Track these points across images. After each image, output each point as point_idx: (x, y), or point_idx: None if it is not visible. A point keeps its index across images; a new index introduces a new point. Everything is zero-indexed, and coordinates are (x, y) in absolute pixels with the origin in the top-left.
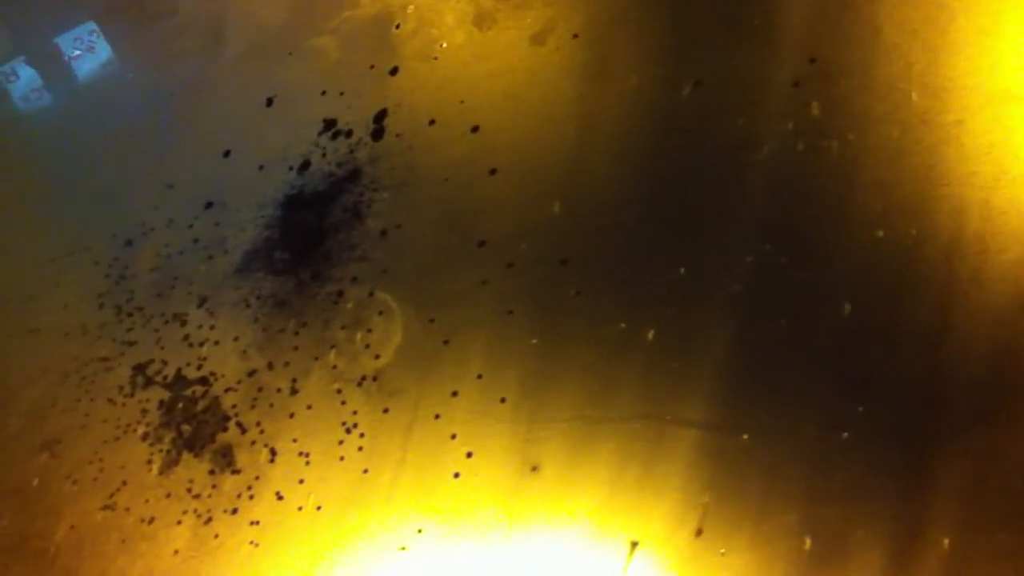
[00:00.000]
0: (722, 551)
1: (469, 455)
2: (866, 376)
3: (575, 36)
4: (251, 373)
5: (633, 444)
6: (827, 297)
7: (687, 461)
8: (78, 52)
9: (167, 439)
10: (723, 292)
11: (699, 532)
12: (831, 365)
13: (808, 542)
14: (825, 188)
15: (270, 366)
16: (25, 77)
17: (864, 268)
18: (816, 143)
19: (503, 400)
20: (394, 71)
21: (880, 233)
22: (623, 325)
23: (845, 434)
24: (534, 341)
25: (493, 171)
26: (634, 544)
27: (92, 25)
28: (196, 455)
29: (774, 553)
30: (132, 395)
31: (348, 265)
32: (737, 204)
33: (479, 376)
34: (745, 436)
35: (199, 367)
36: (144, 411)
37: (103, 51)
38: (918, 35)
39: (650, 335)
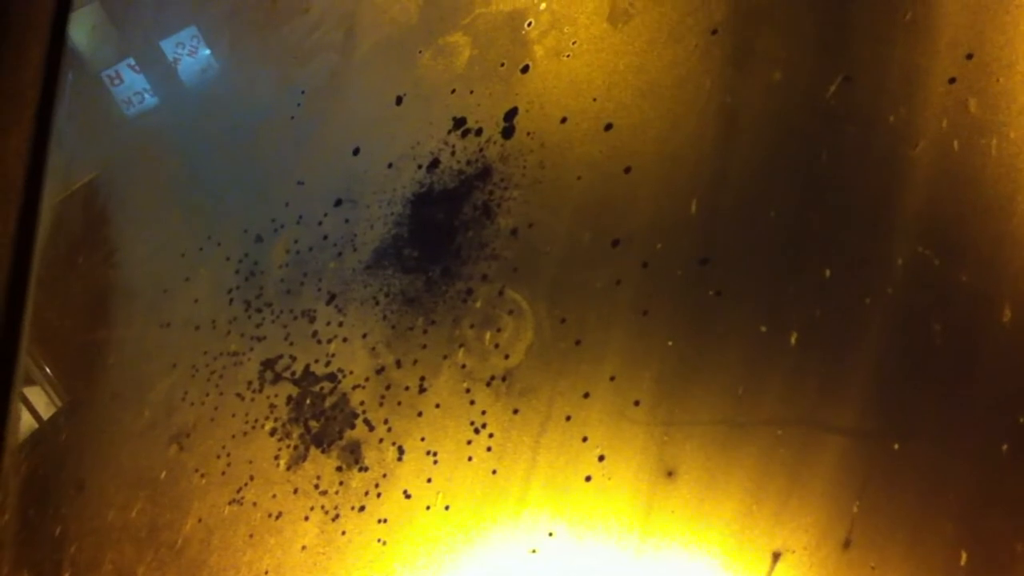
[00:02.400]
0: (872, 565)
1: (601, 458)
2: None
3: (714, 32)
4: (379, 370)
5: (776, 450)
6: (984, 301)
7: (834, 469)
8: (179, 56)
9: (295, 435)
10: (872, 295)
11: (847, 544)
12: (988, 372)
13: (964, 556)
14: (983, 188)
15: (398, 364)
16: (130, 80)
17: None
18: (973, 141)
19: (637, 403)
20: (525, 69)
21: None
22: (764, 328)
23: (1005, 446)
24: (670, 343)
25: (627, 169)
26: (776, 556)
27: (194, 30)
28: (324, 451)
29: (928, 568)
30: (260, 390)
31: (478, 263)
32: (888, 204)
33: (612, 378)
34: (896, 445)
35: (327, 363)
36: (272, 406)
37: (205, 54)
38: None
39: (793, 338)
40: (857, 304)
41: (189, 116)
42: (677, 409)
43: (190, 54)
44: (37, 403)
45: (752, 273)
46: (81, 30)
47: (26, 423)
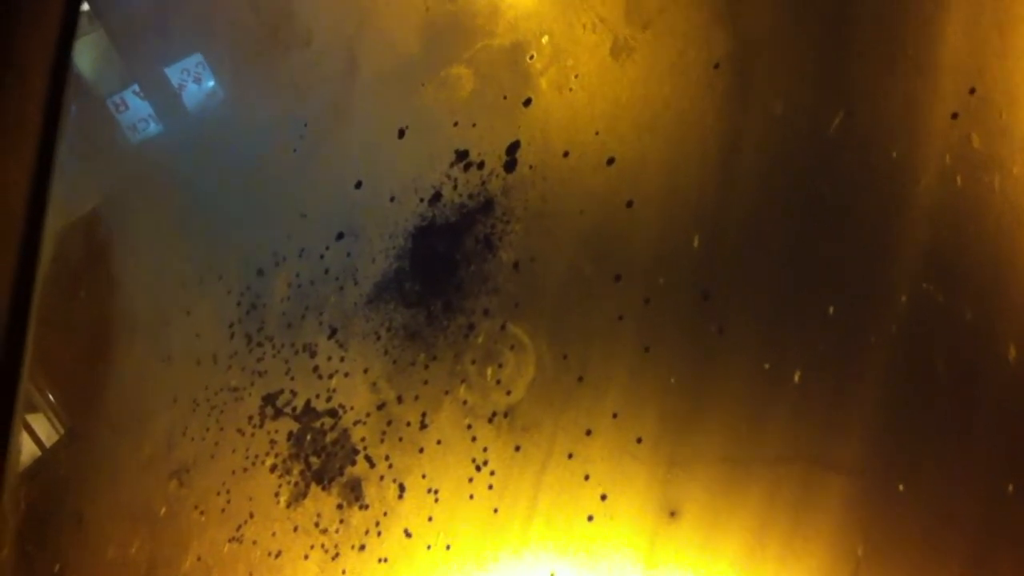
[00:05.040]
0: None
1: (604, 497)
2: None
3: (716, 66)
4: (381, 406)
5: (780, 490)
6: (989, 339)
7: (839, 509)
8: (184, 83)
9: (296, 471)
10: (876, 332)
11: None
12: (994, 411)
13: None
14: (986, 224)
15: (400, 399)
16: (135, 106)
17: None
18: (976, 177)
19: (640, 440)
20: (528, 102)
21: None
22: (767, 365)
23: (1010, 486)
24: (673, 379)
25: (630, 203)
26: None
27: (199, 57)
28: (324, 488)
29: None
30: (261, 425)
31: (480, 297)
32: (891, 240)
33: (615, 415)
34: (901, 486)
35: (328, 399)
36: (273, 442)
37: (211, 81)
38: None
39: (797, 376)
40: (861, 341)
41: (192, 145)
42: (680, 447)
43: (195, 81)
44: (40, 430)
45: (755, 309)
46: (86, 57)
47: (29, 450)
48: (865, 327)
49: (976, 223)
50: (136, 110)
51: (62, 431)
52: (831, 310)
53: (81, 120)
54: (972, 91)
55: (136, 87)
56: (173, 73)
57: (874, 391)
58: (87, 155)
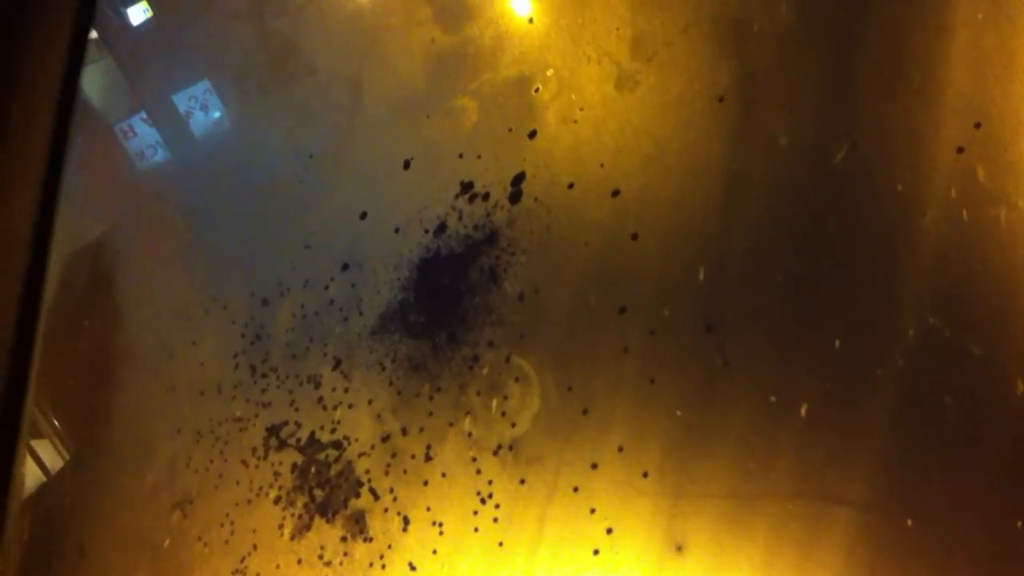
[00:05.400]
0: None
1: (609, 531)
2: None
3: (720, 99)
4: (385, 438)
5: (787, 524)
6: (997, 374)
7: (846, 544)
8: (192, 110)
9: (299, 503)
10: (883, 366)
11: None
12: (1001, 447)
13: None
14: (992, 258)
15: (404, 431)
16: (143, 133)
17: None
18: (982, 211)
19: (646, 474)
20: (533, 134)
21: None
22: (774, 398)
23: (1019, 522)
24: (678, 412)
25: (635, 236)
26: None
27: (207, 83)
28: (328, 521)
29: None
30: (265, 457)
31: (484, 329)
32: (897, 273)
33: (620, 448)
34: (909, 521)
35: (333, 430)
36: (277, 474)
37: (217, 112)
38: None
39: (803, 409)
40: (868, 375)
41: (199, 174)
42: (686, 481)
43: (202, 108)
44: (44, 456)
45: (760, 342)
46: (94, 84)
47: (34, 475)
48: (872, 361)
49: (982, 257)
50: (144, 137)
51: (67, 457)
52: (837, 343)
53: (88, 147)
54: (978, 125)
55: (143, 114)
56: (180, 100)
57: (881, 425)
58: (93, 183)
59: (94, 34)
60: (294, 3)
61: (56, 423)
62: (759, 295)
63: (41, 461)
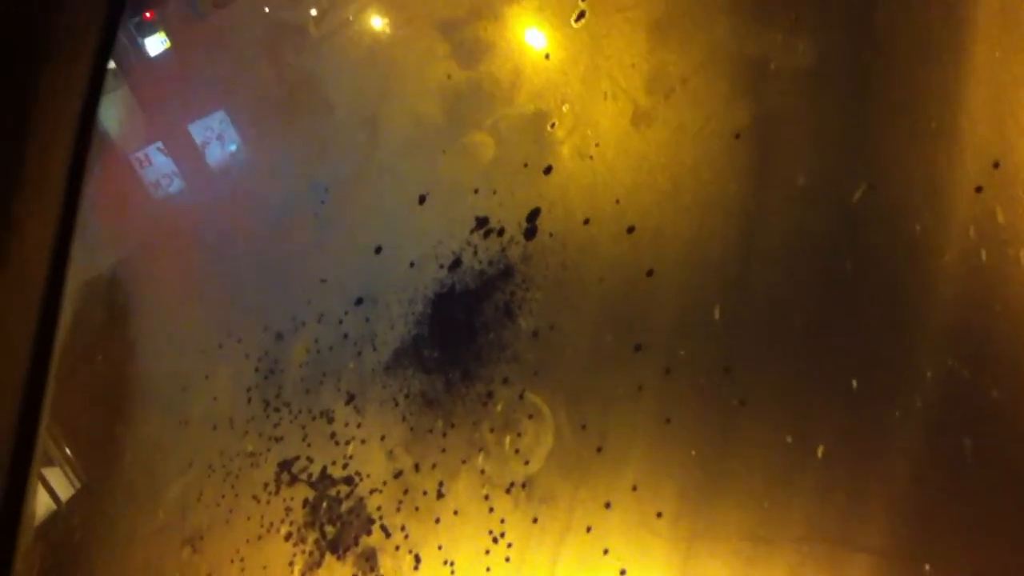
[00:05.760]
0: None
1: (623, 572)
2: None
3: (737, 136)
4: (397, 474)
5: (803, 569)
6: (1017, 417)
7: None
8: (208, 140)
9: (311, 540)
10: (901, 408)
11: None
12: (1021, 490)
13: None
14: (1012, 299)
15: (417, 468)
16: (159, 163)
17: None
18: (1001, 251)
19: (660, 514)
20: (548, 170)
21: None
22: (790, 439)
23: None
24: (694, 452)
25: (650, 272)
26: None
27: (223, 114)
28: (339, 558)
29: None
30: (277, 492)
31: (499, 365)
32: (916, 314)
33: (634, 487)
34: (927, 566)
35: (345, 466)
36: (288, 509)
37: (233, 145)
38: None
39: (820, 451)
40: (885, 417)
41: (214, 207)
42: (701, 522)
43: (218, 138)
44: (56, 484)
45: (777, 382)
46: (111, 114)
47: (44, 503)
48: (889, 402)
49: (1002, 298)
50: (159, 166)
51: (78, 485)
52: (855, 384)
53: (104, 177)
54: (996, 165)
55: (160, 144)
56: (197, 130)
57: (899, 467)
58: (109, 213)
59: (112, 64)
60: (312, 38)
61: (68, 451)
62: (776, 335)
63: (52, 489)
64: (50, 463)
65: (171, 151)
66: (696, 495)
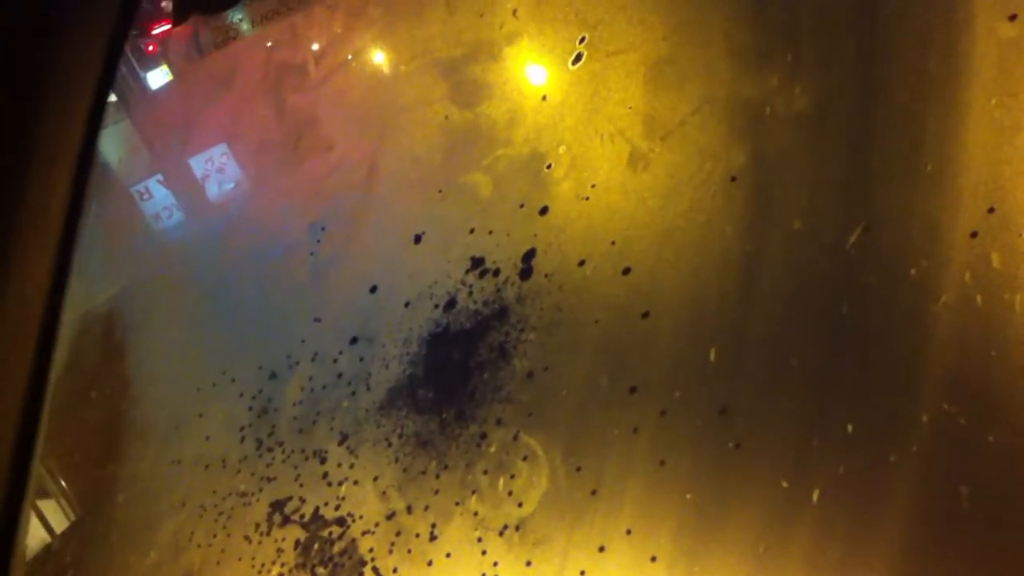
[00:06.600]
0: None
1: None
2: None
3: (733, 179)
4: (390, 516)
5: None
6: (1014, 463)
7: None
8: (208, 172)
9: None
10: (897, 452)
11: None
12: (1020, 534)
13: None
14: (1008, 345)
15: (409, 509)
16: (159, 195)
17: None
18: (997, 297)
19: (654, 559)
20: (544, 210)
21: None
22: (786, 483)
23: None
24: (689, 496)
25: (646, 314)
26: None
27: (224, 147)
28: None
29: None
30: (268, 533)
31: (493, 406)
32: (911, 358)
33: (628, 531)
34: None
35: (337, 507)
36: (280, 550)
37: (234, 176)
38: None
39: (816, 495)
40: (881, 461)
41: (211, 244)
42: (696, 567)
43: (219, 171)
44: (50, 516)
45: (773, 425)
46: (112, 146)
47: (39, 536)
48: (885, 447)
49: (998, 343)
50: (159, 199)
51: (72, 518)
52: (850, 428)
53: (103, 211)
54: (991, 210)
55: (160, 176)
56: (197, 164)
57: (896, 512)
58: (108, 247)
59: (113, 97)
60: (311, 78)
61: (63, 483)
62: (772, 378)
63: (46, 521)
64: (44, 495)
65: (171, 184)
66: (691, 539)
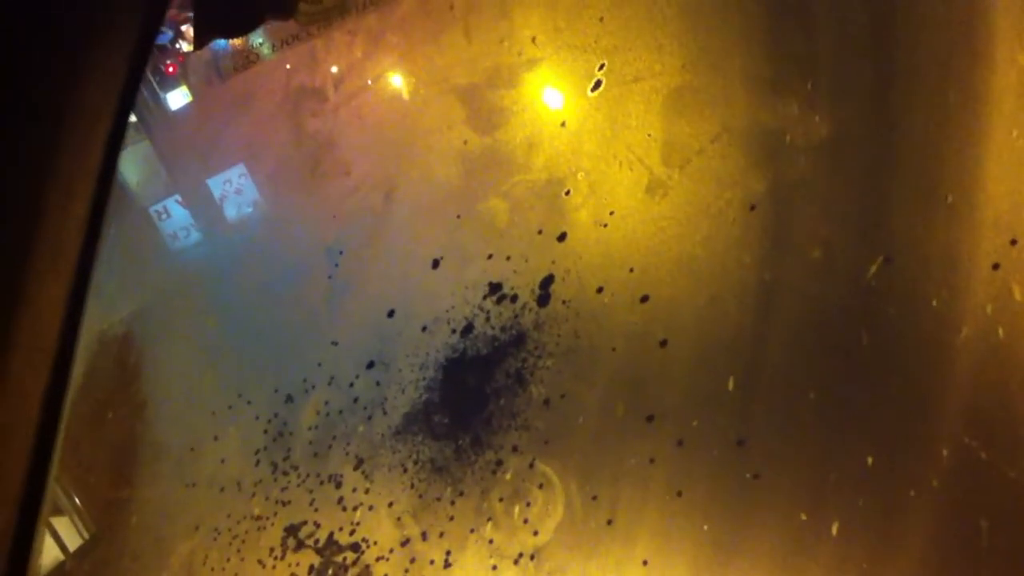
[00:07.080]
0: None
1: None
2: None
3: (752, 207)
4: (404, 542)
5: None
6: None
7: None
8: (227, 194)
9: None
10: (916, 487)
11: None
12: None
13: None
14: None
15: (424, 536)
16: (177, 215)
17: None
18: (1019, 329)
19: None
20: (562, 237)
21: None
22: (804, 516)
23: None
24: (705, 527)
25: (663, 343)
26: None
27: (243, 168)
28: None
29: None
30: (283, 557)
31: (509, 433)
32: (932, 391)
33: (645, 562)
34: None
35: (352, 532)
36: (294, 575)
37: (252, 199)
38: None
39: (835, 528)
40: (901, 495)
41: (228, 266)
42: None
43: (237, 192)
44: (63, 533)
45: (791, 457)
46: (131, 166)
47: (52, 554)
48: (905, 480)
49: (1019, 376)
50: (178, 219)
51: (86, 536)
52: (870, 461)
53: (121, 230)
54: (1013, 242)
55: (178, 196)
56: (215, 184)
57: (915, 547)
58: (125, 268)
59: (133, 117)
60: (331, 103)
61: (77, 501)
62: (790, 408)
63: (60, 539)
64: (58, 512)
65: (189, 204)
66: (708, 571)
